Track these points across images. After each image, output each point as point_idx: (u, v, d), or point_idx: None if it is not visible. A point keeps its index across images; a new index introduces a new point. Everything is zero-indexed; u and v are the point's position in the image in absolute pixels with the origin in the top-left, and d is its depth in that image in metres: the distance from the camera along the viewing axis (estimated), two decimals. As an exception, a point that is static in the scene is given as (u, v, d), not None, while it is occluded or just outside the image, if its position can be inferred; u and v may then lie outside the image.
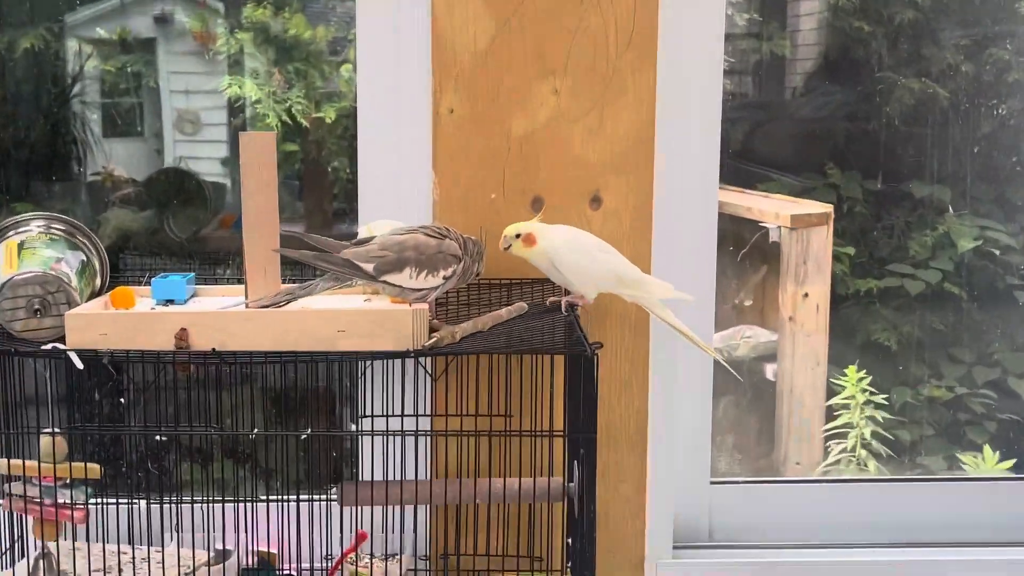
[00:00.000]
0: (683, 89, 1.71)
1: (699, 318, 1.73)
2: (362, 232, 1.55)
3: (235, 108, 2.63)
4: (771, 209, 2.50)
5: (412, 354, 1.35)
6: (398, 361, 1.61)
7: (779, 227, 2.46)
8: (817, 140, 2.55)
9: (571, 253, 1.48)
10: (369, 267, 1.39)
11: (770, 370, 2.49)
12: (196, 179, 2.44)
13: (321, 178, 2.55)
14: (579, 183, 1.68)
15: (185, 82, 2.56)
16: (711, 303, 1.78)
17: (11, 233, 1.51)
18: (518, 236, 1.49)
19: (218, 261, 2.30)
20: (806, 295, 2.44)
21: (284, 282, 1.47)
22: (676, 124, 1.71)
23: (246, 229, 1.40)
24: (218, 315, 1.35)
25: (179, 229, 2.34)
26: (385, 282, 1.40)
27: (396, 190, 1.69)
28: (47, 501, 1.44)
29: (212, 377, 1.55)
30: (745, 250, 2.51)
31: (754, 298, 2.53)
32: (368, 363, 1.61)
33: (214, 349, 1.31)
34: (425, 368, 1.63)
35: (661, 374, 1.74)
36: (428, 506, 1.66)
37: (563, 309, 1.52)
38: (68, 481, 1.44)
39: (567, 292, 1.53)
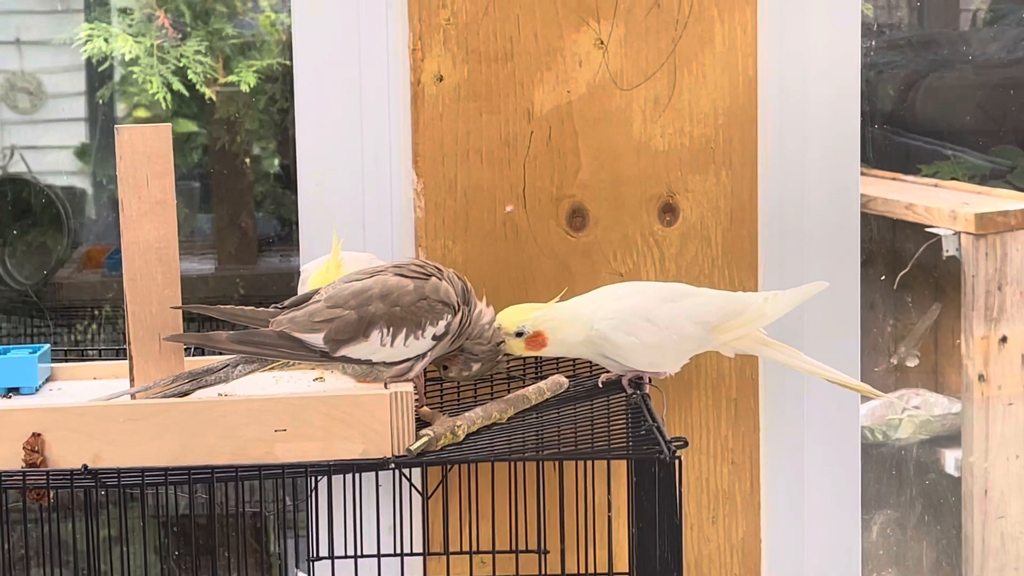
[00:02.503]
0: (800, 27, 1.73)
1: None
2: (307, 274, 1.57)
3: (99, 72, 2.66)
4: (944, 205, 2.51)
5: (391, 463, 1.36)
6: (369, 475, 1.63)
7: (957, 234, 2.47)
8: (1013, 94, 2.56)
9: (624, 335, 1.51)
10: (317, 339, 1.41)
11: (951, 460, 2.49)
12: (43, 190, 2.45)
13: (235, 178, 2.57)
14: (641, 184, 1.71)
15: (19, 29, 2.59)
16: (855, 355, 1.79)
17: None
18: (520, 335, 1.51)
19: (82, 318, 2.30)
20: (1004, 340, 2.45)
21: (189, 355, 1.50)
22: (791, 83, 1.73)
23: (128, 275, 1.42)
24: (89, 411, 1.36)
25: (20, 270, 2.35)
26: (345, 358, 1.43)
27: (357, 203, 1.73)
28: None
29: (81, 504, 1.57)
30: (905, 272, 2.52)
31: (922, 348, 2.54)
32: (321, 478, 1.63)
33: (85, 466, 1.33)
34: (411, 482, 1.65)
35: (780, 478, 1.76)
36: None
37: (625, 387, 1.54)
38: None
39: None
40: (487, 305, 1.52)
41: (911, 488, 2.43)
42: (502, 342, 1.51)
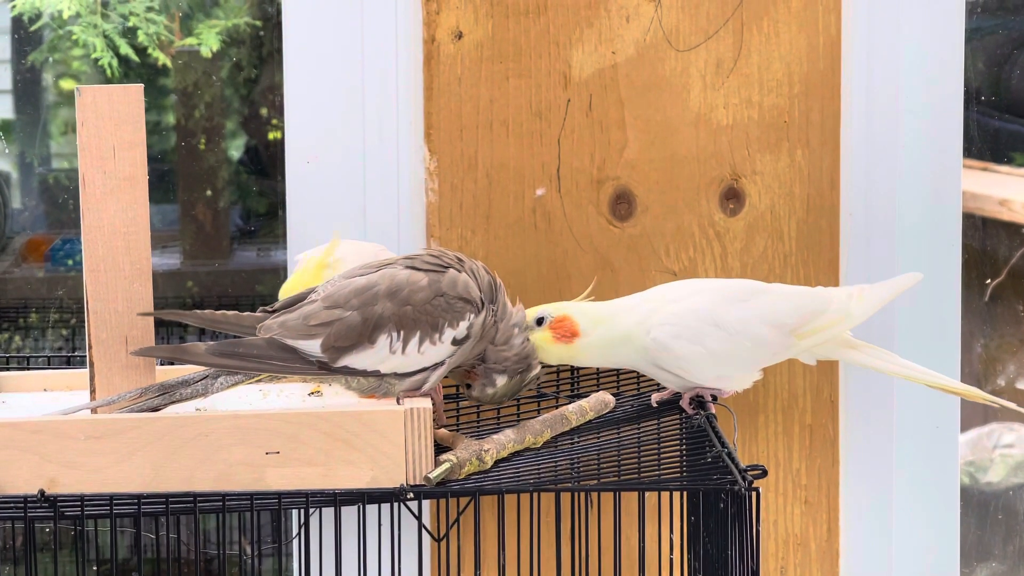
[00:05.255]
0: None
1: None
2: (302, 273, 1.57)
3: (28, 32, 2.68)
4: (1045, 201, 2.53)
5: (408, 493, 1.36)
6: (372, 507, 1.62)
7: (1061, 235, 2.49)
8: None
9: (688, 343, 1.50)
10: (313, 346, 1.41)
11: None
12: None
13: (194, 161, 2.58)
14: (700, 164, 1.72)
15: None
16: (953, 373, 1.79)
17: None
18: (541, 322, 1.51)
19: (23, 325, 2.32)
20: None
21: (160, 364, 1.50)
22: (882, 45, 1.74)
23: (89, 265, 1.43)
24: (44, 428, 1.36)
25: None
26: (347, 369, 1.43)
27: (356, 185, 1.73)
28: None
29: (36, 539, 1.57)
30: (999, 280, 2.54)
31: (1015, 375, 2.55)
32: (314, 509, 1.63)
33: (42, 492, 1.34)
34: (420, 521, 1.65)
35: (863, 522, 1.77)
36: None
37: (686, 409, 1.54)
38: None
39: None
40: (519, 306, 1.51)
41: (1019, 537, 2.43)
42: (535, 357, 1.50)
